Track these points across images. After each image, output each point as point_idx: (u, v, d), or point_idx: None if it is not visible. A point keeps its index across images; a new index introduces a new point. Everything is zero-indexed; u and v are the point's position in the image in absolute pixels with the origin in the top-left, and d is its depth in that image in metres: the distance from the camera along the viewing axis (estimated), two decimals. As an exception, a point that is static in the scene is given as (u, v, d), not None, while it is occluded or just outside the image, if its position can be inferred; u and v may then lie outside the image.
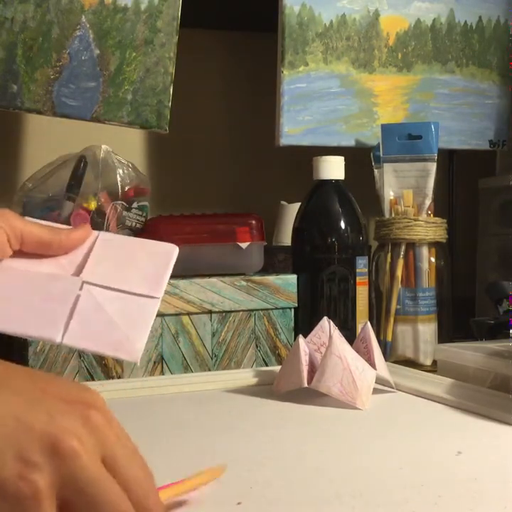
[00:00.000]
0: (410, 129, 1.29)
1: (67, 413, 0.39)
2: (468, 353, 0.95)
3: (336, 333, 0.85)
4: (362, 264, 1.22)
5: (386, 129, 1.30)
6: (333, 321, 0.91)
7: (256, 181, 1.61)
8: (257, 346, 1.20)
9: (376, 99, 1.46)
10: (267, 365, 1.19)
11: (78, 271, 0.59)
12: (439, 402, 0.82)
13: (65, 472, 0.38)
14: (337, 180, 1.23)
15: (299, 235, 1.25)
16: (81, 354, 1.13)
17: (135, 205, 1.20)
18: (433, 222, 1.26)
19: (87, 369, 1.12)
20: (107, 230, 1.15)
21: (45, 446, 0.38)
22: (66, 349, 1.12)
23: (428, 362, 1.24)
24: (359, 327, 1.18)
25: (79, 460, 0.38)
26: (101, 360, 1.13)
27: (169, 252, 0.64)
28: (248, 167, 1.62)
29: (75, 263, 0.60)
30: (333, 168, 1.22)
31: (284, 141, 1.39)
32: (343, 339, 0.84)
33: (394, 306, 1.26)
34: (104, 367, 1.13)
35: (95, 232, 0.64)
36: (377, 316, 1.28)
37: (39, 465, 0.37)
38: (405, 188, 1.28)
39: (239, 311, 1.19)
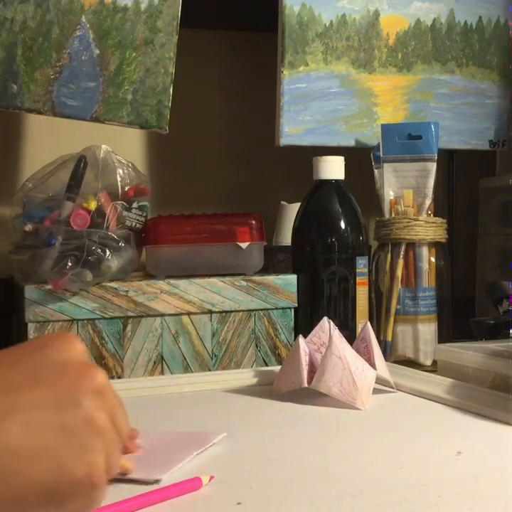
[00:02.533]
0: (410, 129, 1.29)
1: (80, 394, 0.43)
2: (468, 353, 0.95)
3: (336, 333, 0.85)
4: (362, 264, 1.22)
5: (386, 129, 1.30)
6: (333, 321, 0.91)
7: (256, 181, 1.61)
8: (257, 346, 1.20)
9: (376, 99, 1.46)
10: (267, 365, 1.19)
11: None
12: (439, 402, 0.82)
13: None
14: (337, 180, 1.23)
15: (299, 235, 1.25)
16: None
17: (135, 205, 1.20)
18: (433, 222, 1.26)
19: (87, 369, 1.12)
20: (107, 229, 1.15)
21: (88, 429, 0.43)
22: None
23: (428, 362, 1.24)
24: (359, 327, 1.18)
25: (107, 431, 0.44)
26: (101, 360, 1.13)
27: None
28: (248, 167, 1.62)
29: None
30: (333, 168, 1.22)
31: (284, 141, 1.39)
32: (343, 339, 0.84)
33: (394, 306, 1.26)
34: (104, 367, 1.13)
35: None
36: (377, 316, 1.28)
37: (95, 448, 0.43)
38: (405, 188, 1.28)
39: (239, 311, 1.19)
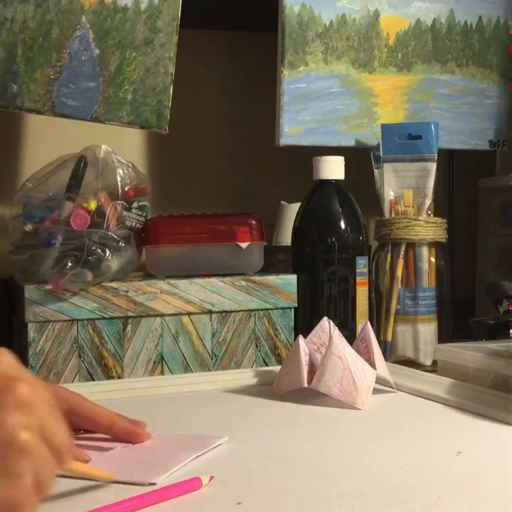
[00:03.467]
0: (410, 129, 1.29)
1: (2, 412, 0.42)
2: (468, 353, 0.95)
3: (336, 333, 0.85)
4: (362, 264, 1.22)
5: (386, 129, 1.30)
6: (333, 321, 0.91)
7: (256, 181, 1.61)
8: (257, 346, 1.20)
9: (376, 99, 1.46)
10: (267, 365, 1.19)
11: None
12: (439, 402, 0.82)
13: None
14: (337, 180, 1.23)
15: (299, 235, 1.25)
16: (81, 354, 1.13)
17: (135, 205, 1.20)
18: (433, 222, 1.26)
19: (87, 369, 1.12)
20: (107, 229, 1.15)
21: (11, 450, 0.41)
22: (66, 349, 1.12)
23: (428, 362, 1.24)
24: (359, 327, 1.18)
25: (31, 450, 0.42)
26: (101, 360, 1.13)
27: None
28: (248, 167, 1.62)
29: None
30: (333, 168, 1.22)
31: (284, 141, 1.39)
32: (343, 339, 0.84)
33: (394, 306, 1.26)
34: (104, 367, 1.13)
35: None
36: (377, 316, 1.28)
37: (19, 470, 0.41)
38: (405, 188, 1.28)
39: (239, 311, 1.19)
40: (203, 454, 0.64)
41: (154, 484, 0.56)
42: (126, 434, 0.67)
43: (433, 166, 1.27)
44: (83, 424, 0.66)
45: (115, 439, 0.67)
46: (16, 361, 0.45)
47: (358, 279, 1.21)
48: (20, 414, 0.42)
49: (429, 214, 1.28)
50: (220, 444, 0.66)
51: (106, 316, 1.13)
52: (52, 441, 0.44)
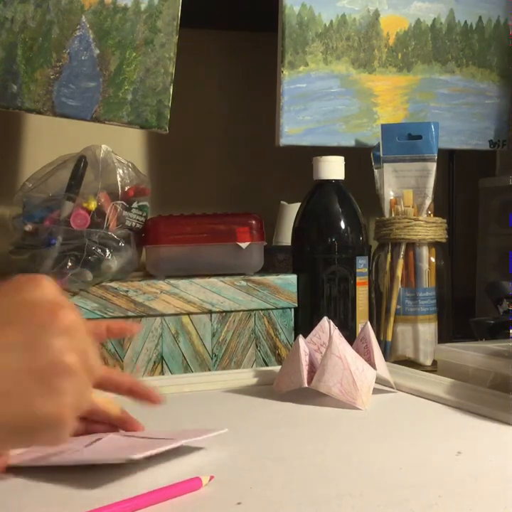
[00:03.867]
0: (410, 129, 1.29)
1: (49, 335, 0.45)
2: (468, 353, 0.95)
3: (336, 333, 0.85)
4: (362, 264, 1.22)
5: (386, 129, 1.30)
6: (333, 321, 0.91)
7: (256, 181, 1.61)
8: (257, 346, 1.20)
9: (376, 99, 1.46)
10: (267, 365, 1.19)
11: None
12: (439, 402, 0.82)
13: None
14: (337, 180, 1.23)
15: (299, 235, 1.25)
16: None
17: (135, 205, 1.20)
18: (433, 222, 1.26)
19: (87, 369, 1.12)
20: (107, 229, 1.15)
21: (57, 370, 0.45)
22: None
23: (428, 362, 1.24)
24: (359, 327, 1.18)
25: (75, 370, 0.46)
26: (101, 360, 1.13)
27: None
28: (248, 167, 1.62)
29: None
30: (333, 168, 1.22)
31: (284, 141, 1.39)
32: (343, 339, 0.84)
33: (394, 306, 1.26)
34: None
35: None
36: (377, 316, 1.28)
37: (63, 389, 0.45)
38: (405, 188, 1.28)
39: (239, 311, 1.19)
40: (197, 440, 0.63)
41: (133, 461, 0.56)
42: (146, 394, 0.65)
43: (433, 166, 1.27)
44: (105, 387, 0.65)
45: (136, 398, 0.66)
46: (59, 290, 0.48)
47: (358, 279, 1.21)
48: (65, 338, 0.45)
49: (429, 214, 1.28)
50: (217, 434, 0.66)
51: (106, 316, 1.13)
52: (90, 365, 0.47)
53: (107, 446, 0.62)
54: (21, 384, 0.43)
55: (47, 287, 0.47)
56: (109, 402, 0.65)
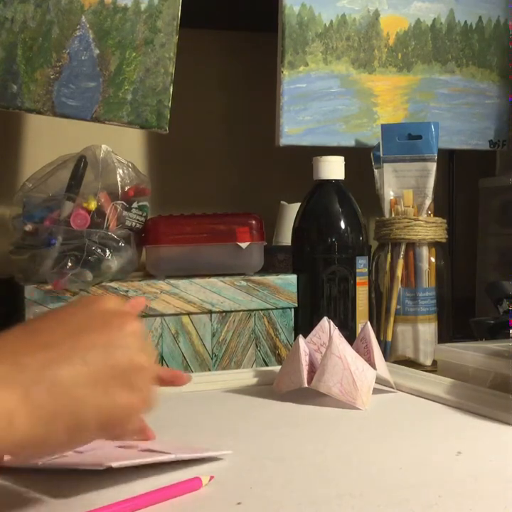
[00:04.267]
0: (410, 129, 1.29)
1: (124, 337, 0.52)
2: (468, 353, 0.95)
3: (336, 333, 0.85)
4: (362, 264, 1.22)
5: (386, 129, 1.30)
6: (333, 321, 0.91)
7: (256, 181, 1.61)
8: (257, 346, 1.20)
9: (376, 99, 1.46)
10: (267, 365, 1.19)
11: None
12: (439, 402, 0.82)
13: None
14: (337, 180, 1.23)
15: (299, 235, 1.25)
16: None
17: (135, 205, 1.20)
18: (433, 222, 1.26)
19: (87, 369, 1.12)
20: (107, 229, 1.15)
21: (133, 367, 0.52)
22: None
23: (428, 362, 1.24)
24: (359, 327, 1.18)
25: (148, 370, 0.53)
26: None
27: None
28: (248, 167, 1.62)
29: None
30: (333, 168, 1.22)
31: (284, 141, 1.39)
32: (343, 339, 0.84)
33: (394, 306, 1.26)
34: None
35: None
36: (377, 316, 1.28)
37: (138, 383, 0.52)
38: (405, 188, 1.28)
39: (239, 311, 1.19)
40: (190, 457, 0.62)
41: (104, 467, 0.56)
42: (172, 375, 0.67)
43: (433, 166, 1.27)
44: None
45: (162, 384, 0.67)
46: (122, 303, 0.57)
47: (358, 279, 1.21)
48: (137, 340, 0.53)
49: (429, 214, 1.28)
50: (217, 455, 0.64)
51: (106, 316, 1.13)
52: (155, 367, 0.55)
53: (98, 454, 0.62)
54: (104, 378, 0.50)
55: (115, 301, 0.56)
56: None
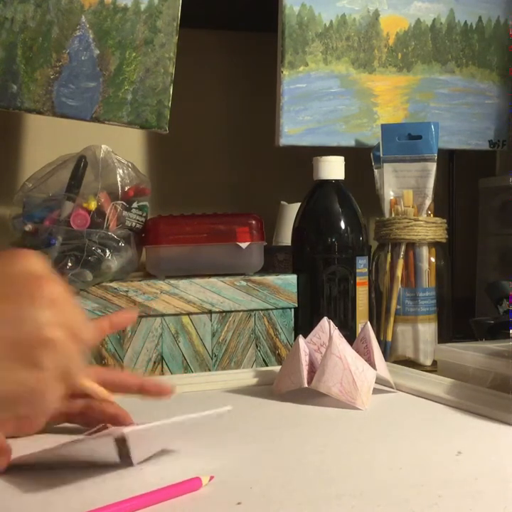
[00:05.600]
0: (410, 129, 1.29)
1: (34, 308, 0.46)
2: (468, 353, 0.95)
3: (336, 333, 0.85)
4: (362, 264, 1.22)
5: (386, 129, 1.30)
6: (333, 321, 0.91)
7: (256, 181, 1.61)
8: (257, 346, 1.20)
9: (376, 99, 1.46)
10: (267, 365, 1.19)
11: None
12: (439, 402, 0.82)
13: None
14: (337, 180, 1.23)
15: (299, 235, 1.25)
16: (81, 354, 1.13)
17: (135, 205, 1.20)
18: (433, 222, 1.26)
19: (87, 369, 1.12)
20: (107, 229, 1.15)
21: (39, 343, 0.46)
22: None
23: (428, 362, 1.24)
24: (359, 327, 1.18)
25: (57, 344, 0.47)
26: (101, 360, 1.13)
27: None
28: (248, 167, 1.62)
29: None
30: (333, 168, 1.22)
31: (284, 141, 1.39)
32: (343, 339, 0.84)
33: (394, 306, 1.26)
34: (104, 367, 1.13)
35: None
36: (377, 316, 1.28)
37: (45, 362, 0.46)
38: (405, 188, 1.28)
39: (239, 311, 1.19)
40: (196, 417, 0.62)
41: (123, 436, 0.55)
42: (157, 388, 0.66)
43: (433, 166, 1.27)
44: (115, 389, 0.66)
45: (147, 395, 0.67)
46: (46, 264, 0.49)
47: (358, 279, 1.21)
48: (49, 311, 0.46)
49: (429, 214, 1.28)
50: (219, 413, 0.64)
51: (106, 316, 1.13)
52: (78, 338, 0.48)
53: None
54: (4, 354, 0.45)
55: (34, 261, 0.48)
56: (99, 387, 0.62)
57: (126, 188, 1.19)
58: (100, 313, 1.13)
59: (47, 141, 1.47)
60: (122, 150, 1.28)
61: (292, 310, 1.22)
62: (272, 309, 1.21)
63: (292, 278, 1.22)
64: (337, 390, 0.81)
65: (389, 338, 1.25)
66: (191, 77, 1.52)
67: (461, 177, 1.63)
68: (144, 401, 0.86)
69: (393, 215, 1.28)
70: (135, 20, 1.25)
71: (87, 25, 1.22)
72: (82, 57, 1.23)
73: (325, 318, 0.92)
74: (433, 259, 1.27)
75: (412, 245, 1.26)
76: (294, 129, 1.39)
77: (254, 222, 1.23)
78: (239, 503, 0.53)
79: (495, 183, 1.62)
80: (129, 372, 0.68)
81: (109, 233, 1.15)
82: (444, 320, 1.29)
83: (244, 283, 1.19)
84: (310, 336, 0.91)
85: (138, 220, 1.20)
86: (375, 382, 0.85)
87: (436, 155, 1.27)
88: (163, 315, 1.16)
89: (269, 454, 0.65)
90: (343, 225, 1.21)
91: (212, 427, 0.74)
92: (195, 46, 1.52)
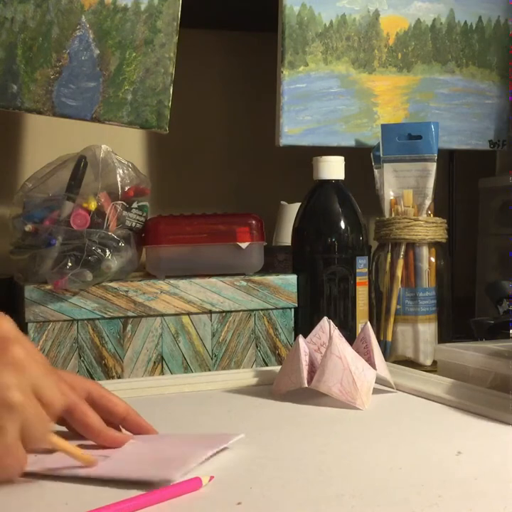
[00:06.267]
0: (410, 129, 1.29)
1: None
2: (468, 353, 0.95)
3: (336, 333, 0.85)
4: (362, 264, 1.22)
5: (386, 129, 1.30)
6: (333, 321, 0.91)
7: (256, 181, 1.61)
8: (257, 346, 1.20)
9: (376, 99, 1.46)
10: (267, 365, 1.19)
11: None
12: (439, 402, 0.82)
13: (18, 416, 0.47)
14: (337, 180, 1.23)
15: (299, 235, 1.25)
16: (81, 354, 1.13)
17: (135, 205, 1.20)
18: (433, 222, 1.26)
19: (87, 369, 1.12)
20: (107, 230, 1.15)
21: None
22: (66, 349, 1.12)
23: (428, 362, 1.24)
24: (359, 327, 1.18)
25: (19, 407, 0.46)
26: (101, 360, 1.13)
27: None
28: (248, 167, 1.62)
29: None
30: (333, 168, 1.22)
31: (284, 141, 1.39)
32: (343, 339, 0.84)
33: (394, 306, 1.26)
34: (104, 367, 1.13)
35: None
36: (377, 316, 1.28)
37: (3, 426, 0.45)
38: (405, 188, 1.28)
39: (239, 311, 1.19)
40: (220, 450, 0.63)
41: (172, 481, 0.55)
42: (138, 427, 0.66)
43: (433, 166, 1.27)
44: (99, 413, 0.65)
45: (129, 429, 0.66)
46: (13, 326, 0.48)
47: (358, 279, 1.21)
48: (11, 374, 0.45)
49: (429, 214, 1.28)
50: (235, 441, 0.65)
51: (106, 316, 1.13)
52: (45, 401, 0.47)
53: (131, 459, 0.61)
54: None
55: (1, 323, 0.47)
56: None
57: (126, 188, 1.19)
58: (100, 313, 1.13)
59: (47, 141, 1.47)
60: (122, 150, 1.28)
61: (292, 310, 1.22)
62: (272, 309, 1.21)
63: (292, 278, 1.22)
64: (337, 390, 0.81)
65: (389, 338, 1.25)
66: (191, 77, 1.52)
67: (461, 177, 1.63)
68: (144, 401, 0.86)
69: (393, 215, 1.28)
70: (135, 21, 1.25)
71: (87, 26, 1.22)
72: (82, 57, 1.23)
73: (325, 318, 0.92)
74: (433, 259, 1.27)
75: (412, 245, 1.26)
76: (294, 129, 1.39)
77: (254, 222, 1.23)
78: (239, 503, 0.53)
79: (495, 183, 1.62)
80: (118, 400, 0.67)
81: (109, 233, 1.15)
82: (444, 320, 1.29)
83: (244, 283, 1.19)
84: (310, 336, 0.91)
85: (138, 220, 1.20)
86: (375, 382, 0.85)
87: (436, 155, 1.27)
88: (163, 315, 1.16)
89: (269, 454, 0.65)
90: (343, 225, 1.21)
91: (212, 427, 0.74)
92: (195, 46, 1.52)
